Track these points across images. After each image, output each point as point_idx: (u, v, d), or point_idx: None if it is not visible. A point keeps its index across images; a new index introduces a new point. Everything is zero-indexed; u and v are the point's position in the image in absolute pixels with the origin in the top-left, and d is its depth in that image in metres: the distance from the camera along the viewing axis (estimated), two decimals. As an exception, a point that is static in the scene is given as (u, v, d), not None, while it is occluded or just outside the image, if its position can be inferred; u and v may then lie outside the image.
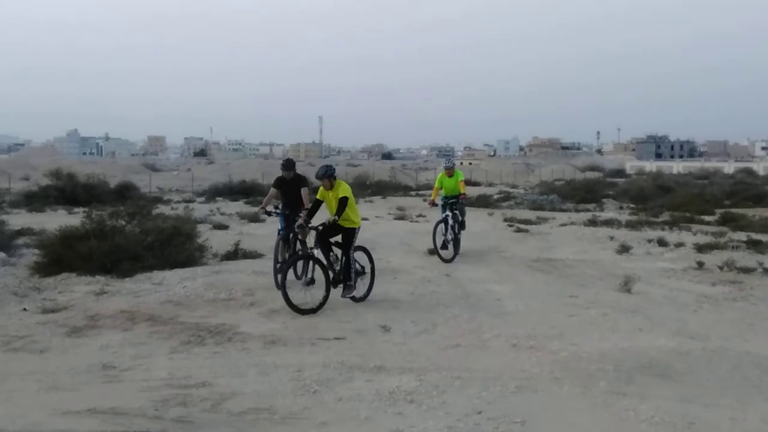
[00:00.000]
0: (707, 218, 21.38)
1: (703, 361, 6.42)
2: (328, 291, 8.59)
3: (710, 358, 6.52)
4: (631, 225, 19.01)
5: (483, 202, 28.53)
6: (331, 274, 8.81)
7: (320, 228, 8.83)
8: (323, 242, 8.94)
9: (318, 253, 8.79)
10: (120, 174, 48.99)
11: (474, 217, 21.01)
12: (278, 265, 9.75)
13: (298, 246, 9.91)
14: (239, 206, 26.08)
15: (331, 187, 8.95)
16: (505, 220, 21.05)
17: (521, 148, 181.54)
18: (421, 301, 9.19)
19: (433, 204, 13.93)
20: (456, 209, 13.31)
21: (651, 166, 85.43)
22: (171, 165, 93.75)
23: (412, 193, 37.77)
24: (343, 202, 8.78)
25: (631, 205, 28.37)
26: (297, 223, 9.06)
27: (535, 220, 20.95)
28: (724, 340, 7.35)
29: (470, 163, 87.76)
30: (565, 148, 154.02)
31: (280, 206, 10.62)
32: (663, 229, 18.09)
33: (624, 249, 14.15)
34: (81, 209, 20.73)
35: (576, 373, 6.07)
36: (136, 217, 12.38)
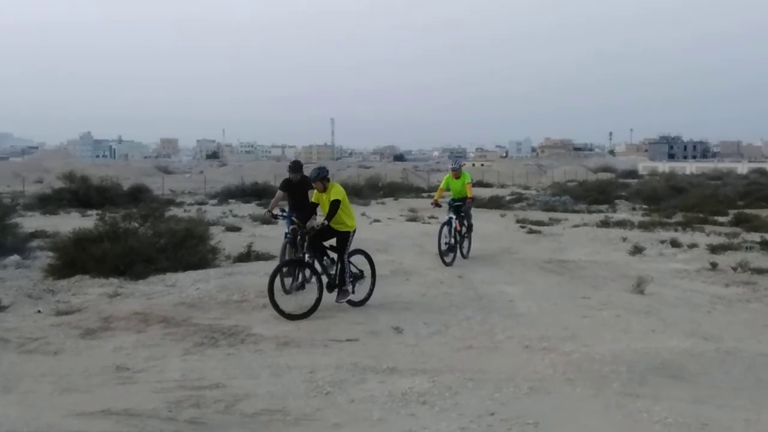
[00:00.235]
0: (720, 219, 21.28)
1: (717, 363, 6.39)
2: (320, 296, 8.42)
3: (724, 359, 6.49)
4: (643, 226, 18.93)
5: (495, 203, 28.55)
6: (325, 279, 8.65)
7: (311, 232, 8.68)
8: (316, 246, 8.80)
9: (309, 257, 8.64)
10: (133, 176, 49.28)
11: (486, 219, 21.02)
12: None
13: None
14: (252, 208, 26.21)
15: (324, 190, 8.76)
16: (518, 221, 21.04)
17: (533, 149, 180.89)
18: (433, 303, 9.16)
19: (437, 204, 13.52)
20: (462, 213, 12.95)
21: (664, 166, 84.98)
22: (184, 167, 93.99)
23: (424, 194, 37.79)
24: (334, 205, 8.56)
25: (644, 206, 28.27)
26: (291, 227, 8.94)
27: (547, 221, 20.93)
28: (738, 341, 7.30)
29: (482, 165, 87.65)
30: (577, 149, 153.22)
31: (287, 209, 10.54)
32: (676, 230, 18.02)
33: (637, 250, 14.08)
34: (94, 212, 20.82)
35: (589, 375, 6.06)
36: (149, 219, 12.45)
